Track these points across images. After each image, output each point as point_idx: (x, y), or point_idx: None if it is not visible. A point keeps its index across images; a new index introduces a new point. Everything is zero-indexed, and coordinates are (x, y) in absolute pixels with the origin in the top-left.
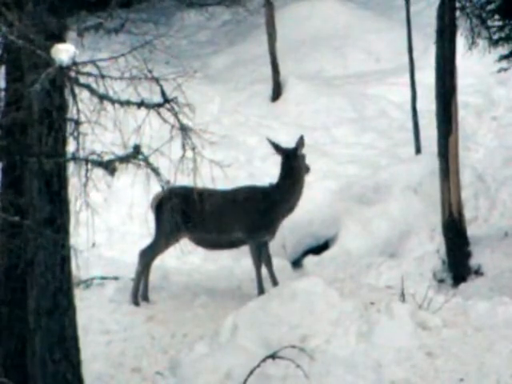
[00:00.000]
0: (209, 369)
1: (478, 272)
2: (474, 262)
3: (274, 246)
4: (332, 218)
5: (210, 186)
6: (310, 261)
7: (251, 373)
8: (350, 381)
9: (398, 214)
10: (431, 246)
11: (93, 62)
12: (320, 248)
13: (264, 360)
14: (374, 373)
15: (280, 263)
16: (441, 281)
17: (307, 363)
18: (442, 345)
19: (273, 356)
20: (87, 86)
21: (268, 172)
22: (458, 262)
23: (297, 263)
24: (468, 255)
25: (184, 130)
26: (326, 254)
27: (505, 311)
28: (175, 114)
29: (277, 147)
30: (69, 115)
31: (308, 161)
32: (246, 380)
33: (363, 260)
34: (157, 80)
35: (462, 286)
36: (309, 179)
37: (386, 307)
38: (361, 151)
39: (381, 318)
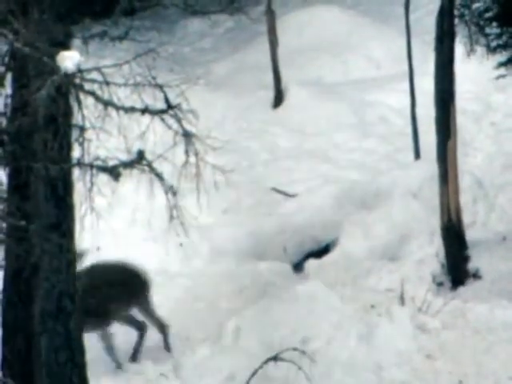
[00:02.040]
0: (211, 371)
1: (476, 275)
2: (472, 265)
3: (274, 249)
4: (333, 222)
5: (212, 190)
6: (310, 264)
7: (253, 375)
8: (350, 383)
9: (397, 218)
10: (430, 250)
11: (97, 69)
12: (321, 252)
13: (266, 362)
14: (374, 375)
15: (281, 267)
16: (440, 284)
17: (308, 365)
18: (441, 347)
19: (275, 358)
20: (92, 93)
21: (270, 177)
22: (457, 266)
23: (298, 267)
24: (466, 259)
25: (187, 135)
26: (326, 258)
27: (503, 314)
28: (179, 120)
29: None
30: (74, 121)
31: (309, 166)
32: (248, 382)
33: (364, 264)
34: (160, 87)
35: (461, 289)
36: (310, 184)
37: (385, 310)
38: (361, 156)
39: (381, 321)
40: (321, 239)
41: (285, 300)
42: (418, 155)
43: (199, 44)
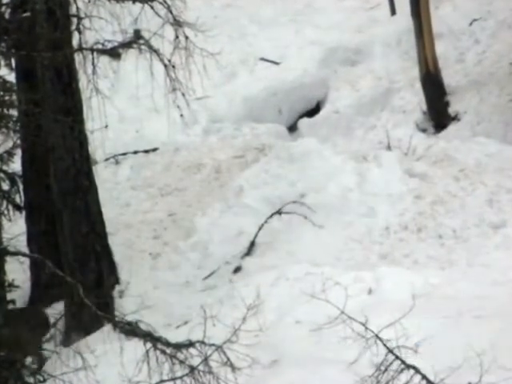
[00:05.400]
0: (222, 229)
1: (456, 118)
2: (452, 109)
3: (270, 111)
4: (320, 80)
5: (206, 65)
6: (303, 123)
7: (260, 229)
8: (344, 223)
9: (380, 71)
10: (413, 100)
11: None
12: (313, 111)
13: (270, 216)
14: (368, 218)
15: (277, 128)
16: (423, 130)
17: (307, 215)
18: (429, 188)
19: (278, 212)
20: None
21: (259, 46)
22: (438, 111)
23: (292, 127)
24: (446, 104)
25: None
26: (318, 116)
27: (484, 149)
28: (168, 7)
29: None
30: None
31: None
32: (255, 235)
33: (352, 117)
34: None
35: (443, 132)
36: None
37: (375, 157)
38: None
39: (371, 168)
40: (311, 97)
41: (282, 159)
42: (393, 11)
43: None
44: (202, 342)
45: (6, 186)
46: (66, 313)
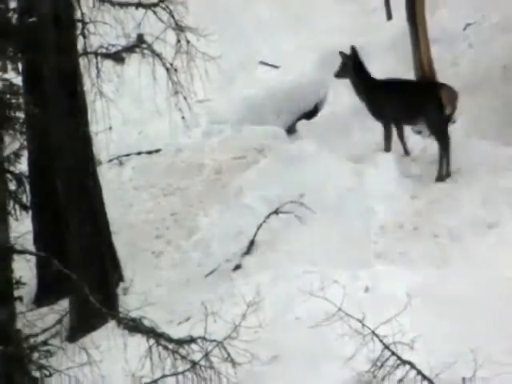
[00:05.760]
0: (222, 228)
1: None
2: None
3: (269, 113)
4: (319, 81)
5: (207, 67)
6: (302, 125)
7: (258, 228)
8: (341, 223)
9: (377, 74)
10: None
11: None
12: (311, 113)
13: (268, 216)
14: (364, 218)
15: (276, 130)
16: (418, 132)
17: (304, 215)
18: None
19: (276, 212)
20: None
21: (258, 49)
22: None
23: (291, 129)
24: None
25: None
26: (316, 118)
27: (483, 149)
28: (170, 13)
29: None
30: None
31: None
32: (255, 234)
33: (350, 120)
34: None
35: None
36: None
37: (372, 159)
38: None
39: (368, 169)
40: (309, 99)
41: (281, 160)
42: (390, 16)
43: None
44: (204, 338)
45: (13, 187)
46: (72, 310)
